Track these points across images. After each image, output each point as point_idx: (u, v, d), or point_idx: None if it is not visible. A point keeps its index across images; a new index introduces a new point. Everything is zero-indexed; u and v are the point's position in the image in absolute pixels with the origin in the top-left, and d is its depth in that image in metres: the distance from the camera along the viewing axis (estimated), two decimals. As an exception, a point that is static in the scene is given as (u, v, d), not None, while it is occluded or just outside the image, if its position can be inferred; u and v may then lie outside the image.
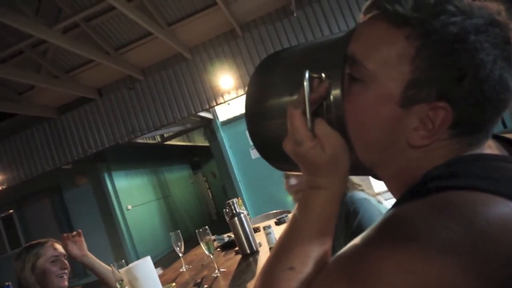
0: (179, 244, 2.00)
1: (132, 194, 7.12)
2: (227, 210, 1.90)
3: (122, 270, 1.18)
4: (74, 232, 1.74)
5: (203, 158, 11.15)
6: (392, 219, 0.38)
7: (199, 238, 1.70)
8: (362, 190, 1.22)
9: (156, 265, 3.36)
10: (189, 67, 5.20)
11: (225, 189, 5.83)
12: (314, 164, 0.47)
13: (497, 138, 0.50)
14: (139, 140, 6.25)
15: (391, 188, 0.51)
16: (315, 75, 0.47)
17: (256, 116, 0.58)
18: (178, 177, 9.83)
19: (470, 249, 0.32)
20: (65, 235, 1.71)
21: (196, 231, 1.72)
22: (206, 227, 1.75)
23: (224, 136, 5.74)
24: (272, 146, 0.56)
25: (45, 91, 4.94)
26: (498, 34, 0.40)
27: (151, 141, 6.73)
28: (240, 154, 5.62)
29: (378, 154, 0.47)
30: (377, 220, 0.41)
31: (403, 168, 0.47)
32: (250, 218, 2.60)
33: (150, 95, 5.32)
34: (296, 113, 0.47)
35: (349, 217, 1.17)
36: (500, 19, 0.41)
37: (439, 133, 0.42)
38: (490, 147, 0.47)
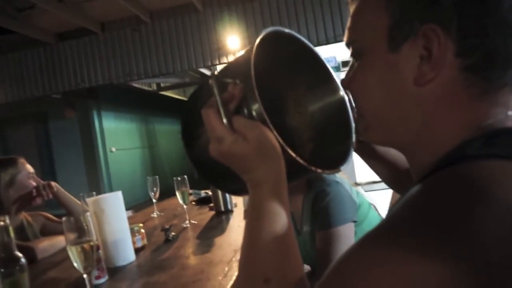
0: (154, 189, 1.98)
1: (118, 137, 7.05)
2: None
3: (89, 200, 1.15)
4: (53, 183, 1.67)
5: (196, 116, 11.07)
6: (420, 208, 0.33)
7: (175, 186, 1.67)
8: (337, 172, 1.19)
9: (130, 209, 3.37)
10: (199, 20, 5.02)
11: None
12: (242, 158, 0.45)
13: None
14: (135, 84, 6.12)
15: (416, 161, 0.45)
16: (228, 81, 0.48)
17: (189, 140, 0.58)
18: (167, 130, 9.76)
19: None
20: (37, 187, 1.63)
21: (174, 178, 1.69)
22: (185, 176, 1.72)
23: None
24: (213, 166, 0.53)
25: (46, 13, 4.72)
26: None
27: (146, 88, 6.59)
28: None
29: (395, 114, 0.44)
30: (403, 200, 0.35)
31: (423, 129, 0.42)
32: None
33: (154, 40, 5.16)
34: (209, 112, 0.46)
35: (318, 197, 1.15)
36: None
37: (443, 62, 0.38)
38: None
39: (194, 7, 4.89)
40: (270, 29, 0.53)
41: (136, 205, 6.94)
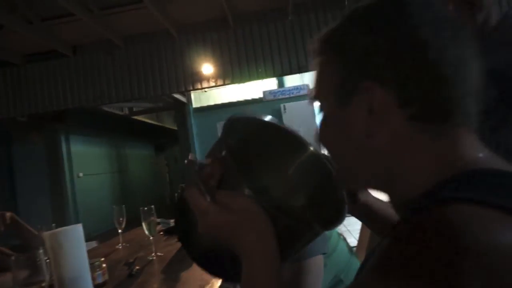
0: (120, 219, 1.89)
1: (87, 162, 6.82)
2: (179, 194, 1.81)
3: (46, 234, 1.07)
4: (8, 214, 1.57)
5: (169, 141, 10.89)
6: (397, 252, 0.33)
7: (142, 217, 1.60)
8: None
9: (96, 238, 3.20)
10: (173, 46, 5.05)
11: (184, 177, 5.70)
12: (229, 227, 0.45)
13: None
14: (106, 108, 6.00)
15: (393, 199, 0.47)
16: (206, 160, 0.50)
17: (188, 240, 0.57)
18: (138, 155, 9.55)
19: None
20: None
21: (140, 209, 1.62)
22: (152, 206, 1.66)
23: (193, 122, 5.62)
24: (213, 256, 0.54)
25: (15, 34, 4.60)
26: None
27: (118, 112, 6.47)
28: (206, 143, 5.51)
29: (358, 164, 0.45)
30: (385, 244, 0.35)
31: (390, 175, 0.43)
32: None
33: (127, 65, 5.12)
34: (191, 191, 0.47)
35: None
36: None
37: (387, 114, 0.40)
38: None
39: (169, 33, 4.92)
40: (226, 120, 0.56)
41: (104, 233, 6.65)
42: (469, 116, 0.41)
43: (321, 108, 0.48)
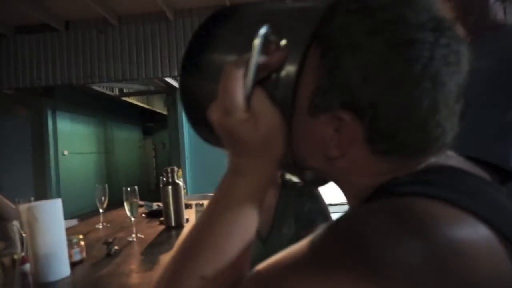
0: (102, 198, 1.87)
1: (73, 140, 6.71)
2: (163, 177, 1.80)
3: (21, 207, 1.04)
4: None
5: (158, 125, 10.79)
6: (343, 229, 0.35)
7: (124, 197, 1.58)
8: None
9: (77, 217, 3.16)
10: (169, 29, 4.96)
11: (171, 162, 5.66)
12: (242, 141, 0.40)
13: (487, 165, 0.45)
14: (95, 87, 5.89)
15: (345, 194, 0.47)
16: (273, 38, 0.40)
17: (193, 68, 0.49)
18: (126, 137, 9.43)
19: (428, 277, 0.30)
20: None
21: (123, 188, 1.60)
22: (136, 187, 1.64)
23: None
24: (201, 111, 0.46)
25: (5, 4, 4.46)
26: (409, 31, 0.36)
27: (107, 92, 6.35)
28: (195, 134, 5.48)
29: (314, 164, 0.44)
30: (327, 224, 0.36)
31: (334, 175, 0.44)
32: (186, 193, 2.51)
33: (120, 44, 5.01)
34: (234, 73, 0.39)
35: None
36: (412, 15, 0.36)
37: (351, 143, 0.39)
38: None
39: (165, 15, 4.83)
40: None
41: (86, 213, 6.58)
42: (443, 147, 0.40)
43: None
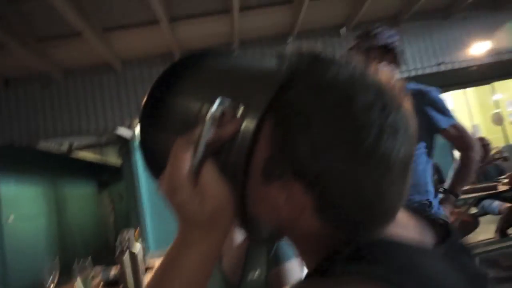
0: (53, 273, 1.68)
1: (18, 204, 6.21)
2: (118, 244, 1.66)
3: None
4: None
5: (113, 177, 10.35)
6: None
7: (76, 272, 1.43)
8: None
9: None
10: (117, 79, 4.89)
11: (129, 214, 5.37)
12: (189, 217, 0.42)
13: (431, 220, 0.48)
14: (42, 145, 5.57)
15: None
16: (226, 108, 0.40)
17: (150, 119, 0.49)
18: (79, 194, 8.90)
19: None
20: None
21: (75, 262, 1.45)
22: (90, 257, 1.50)
23: (139, 157, 5.38)
24: (162, 163, 0.46)
25: None
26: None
27: (56, 148, 6.03)
28: (153, 182, 5.28)
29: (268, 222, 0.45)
30: None
31: (300, 240, 0.45)
32: (148, 252, 2.35)
33: (67, 98, 4.84)
34: (182, 153, 0.40)
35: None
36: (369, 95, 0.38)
37: (300, 213, 0.40)
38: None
39: (112, 66, 4.77)
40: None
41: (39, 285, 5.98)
42: (391, 218, 0.41)
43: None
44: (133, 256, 1.58)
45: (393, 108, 0.38)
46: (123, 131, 4.94)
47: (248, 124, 0.39)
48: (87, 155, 7.12)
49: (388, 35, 1.76)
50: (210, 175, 0.40)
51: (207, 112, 0.39)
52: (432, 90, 1.74)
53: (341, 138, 0.37)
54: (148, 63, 4.89)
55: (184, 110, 0.46)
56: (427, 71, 5.03)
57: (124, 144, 5.30)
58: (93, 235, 9.33)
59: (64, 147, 6.18)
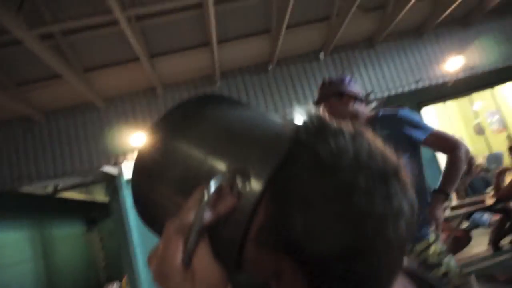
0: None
1: (3, 251, 5.99)
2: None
3: None
4: None
5: (102, 214, 10.13)
6: None
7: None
8: None
9: None
10: (100, 117, 4.86)
11: (120, 253, 5.22)
12: None
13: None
14: (26, 188, 5.44)
15: None
16: (225, 182, 0.39)
17: (151, 171, 0.46)
18: (67, 234, 8.66)
19: None
20: None
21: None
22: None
23: (127, 194, 5.29)
24: (150, 214, 0.47)
25: None
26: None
27: (40, 190, 5.90)
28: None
29: None
30: None
31: None
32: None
33: (50, 140, 4.77)
34: (174, 239, 0.38)
35: None
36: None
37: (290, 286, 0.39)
38: None
39: (94, 105, 4.75)
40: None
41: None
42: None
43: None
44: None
45: (397, 193, 0.37)
46: (109, 169, 4.87)
47: (247, 200, 0.38)
48: (74, 195, 6.97)
49: (339, 81, 1.95)
50: (203, 258, 0.39)
51: (202, 196, 0.37)
52: (400, 111, 1.85)
53: (340, 226, 0.35)
54: (131, 99, 4.89)
55: (183, 165, 0.43)
56: (406, 89, 5.15)
57: (111, 182, 5.22)
58: (83, 274, 9.02)
59: (49, 188, 6.04)
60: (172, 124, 0.47)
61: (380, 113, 1.89)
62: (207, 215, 0.38)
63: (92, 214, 10.09)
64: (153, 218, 0.48)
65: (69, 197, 6.82)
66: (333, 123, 0.41)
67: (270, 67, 4.91)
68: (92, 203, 8.60)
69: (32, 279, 6.71)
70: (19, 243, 6.61)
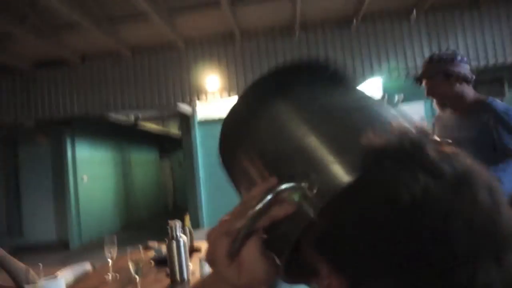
0: (111, 250, 1.90)
1: (91, 166, 6.89)
2: (168, 231, 1.82)
3: (27, 287, 1.09)
4: None
5: (174, 145, 10.98)
6: None
7: (141, 251, 1.61)
8: None
9: (97, 244, 3.16)
10: (180, 57, 5.08)
11: (186, 183, 5.69)
12: (226, 281, 0.42)
13: None
14: (112, 115, 6.05)
15: None
16: (286, 191, 0.37)
17: (237, 131, 0.46)
18: (143, 159, 9.62)
19: None
20: None
21: (140, 245, 1.63)
22: (156, 242, 1.66)
23: (198, 133, 5.63)
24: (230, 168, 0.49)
25: (25, 41, 4.67)
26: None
27: (123, 119, 6.52)
28: (210, 156, 5.50)
29: None
30: None
31: None
32: (201, 229, 2.51)
33: (134, 75, 5.17)
34: (222, 237, 0.40)
35: None
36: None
37: None
38: None
39: (176, 45, 4.95)
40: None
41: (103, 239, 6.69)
42: None
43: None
44: (179, 245, 1.73)
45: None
46: (183, 106, 5.17)
47: (308, 210, 0.36)
48: (151, 126, 7.60)
49: (449, 60, 1.74)
50: (251, 252, 0.40)
51: (267, 193, 0.37)
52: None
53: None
54: (209, 43, 5.00)
55: (280, 144, 0.42)
56: (509, 60, 4.56)
57: (184, 119, 5.56)
58: (154, 197, 10.11)
59: (131, 118, 6.65)
60: (292, 98, 0.44)
61: (490, 100, 1.65)
62: (262, 219, 0.38)
63: (165, 145, 10.99)
64: (228, 163, 0.50)
65: (147, 127, 7.45)
66: (433, 147, 0.32)
67: (354, 23, 4.62)
68: (166, 135, 9.31)
69: (113, 192, 7.71)
70: (105, 161, 7.53)
